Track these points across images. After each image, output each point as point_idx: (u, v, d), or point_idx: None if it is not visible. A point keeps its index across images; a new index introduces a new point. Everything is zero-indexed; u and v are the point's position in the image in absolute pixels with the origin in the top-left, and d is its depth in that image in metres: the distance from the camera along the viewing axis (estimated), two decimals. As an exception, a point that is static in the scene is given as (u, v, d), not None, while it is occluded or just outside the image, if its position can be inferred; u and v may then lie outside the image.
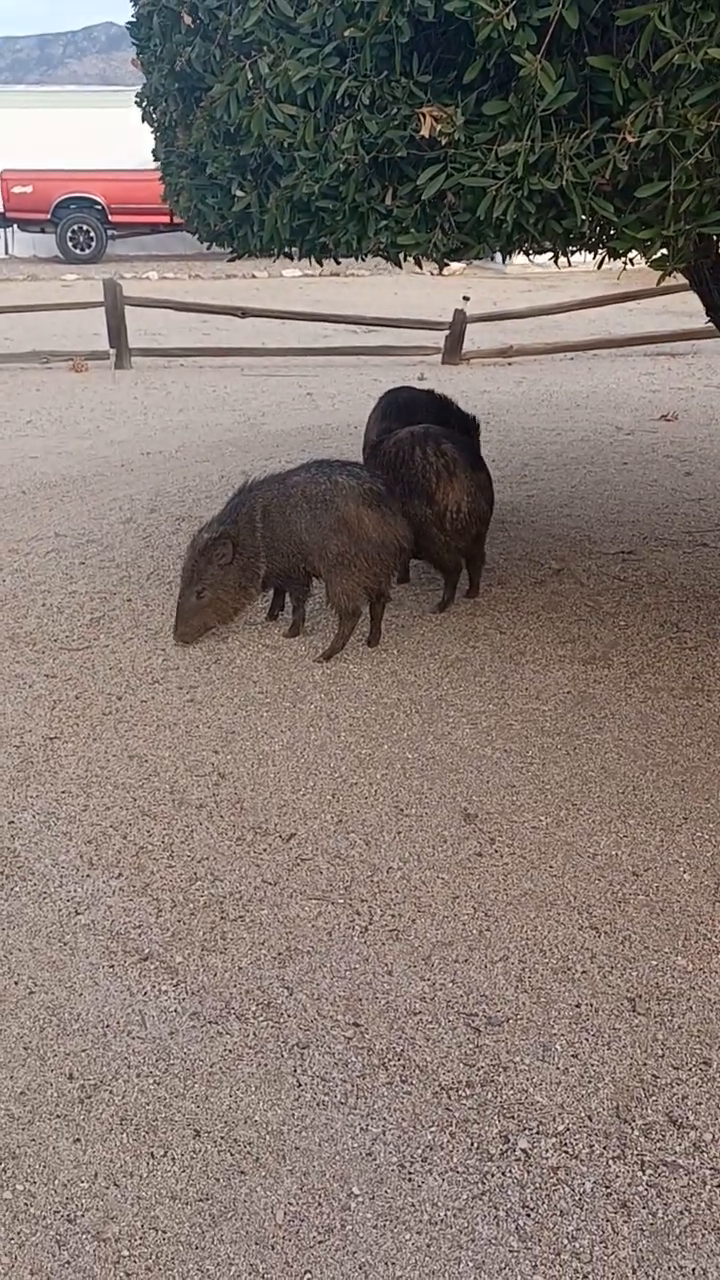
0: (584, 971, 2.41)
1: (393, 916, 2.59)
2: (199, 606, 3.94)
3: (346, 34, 2.74)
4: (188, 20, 3.22)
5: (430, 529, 4.05)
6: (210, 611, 3.97)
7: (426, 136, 2.67)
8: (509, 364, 10.48)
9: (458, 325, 10.29)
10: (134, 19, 3.84)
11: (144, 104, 4.05)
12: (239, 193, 3.27)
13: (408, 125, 2.72)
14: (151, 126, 4.07)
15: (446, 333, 10.37)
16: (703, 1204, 1.88)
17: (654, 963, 2.43)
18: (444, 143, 2.67)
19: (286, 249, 3.51)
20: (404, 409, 4.72)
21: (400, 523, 3.83)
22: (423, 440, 4.12)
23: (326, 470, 3.87)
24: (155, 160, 4.18)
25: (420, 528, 4.01)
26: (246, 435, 7.60)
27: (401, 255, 3.11)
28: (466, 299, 12.18)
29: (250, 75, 2.96)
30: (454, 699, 3.64)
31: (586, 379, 9.60)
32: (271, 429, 7.78)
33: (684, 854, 2.81)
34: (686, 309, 12.11)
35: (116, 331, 10.06)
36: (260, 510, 3.90)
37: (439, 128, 2.62)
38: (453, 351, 10.38)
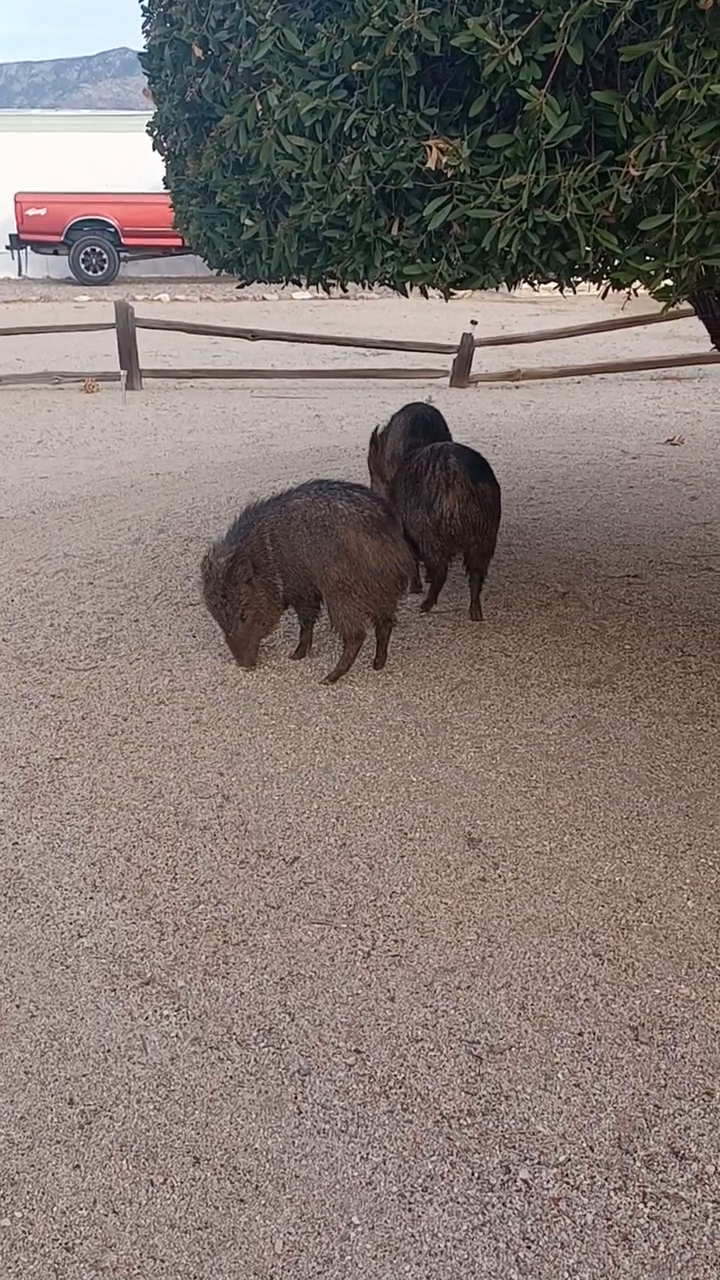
0: (586, 999, 2.40)
1: (395, 942, 2.59)
2: (248, 628, 3.97)
3: (354, 67, 2.79)
4: (198, 52, 3.28)
5: (429, 535, 4.30)
6: (258, 627, 4.01)
7: (433, 168, 2.70)
8: (516, 387, 10.54)
9: (466, 348, 10.36)
10: (145, 49, 3.91)
11: (155, 133, 4.11)
12: (248, 221, 3.32)
13: (414, 157, 2.76)
14: (162, 155, 4.13)
15: (455, 356, 10.45)
16: (705, 1237, 1.87)
17: (657, 991, 2.42)
18: (450, 175, 2.70)
19: (294, 277, 3.56)
20: (430, 425, 5.00)
21: (401, 549, 3.83)
22: (436, 455, 4.35)
23: (326, 495, 3.86)
24: (166, 188, 4.24)
25: (421, 534, 4.28)
26: (255, 457, 7.65)
27: (407, 285, 3.15)
28: (474, 323, 12.27)
29: (259, 107, 3.01)
30: (459, 722, 3.65)
31: (593, 403, 9.64)
32: (280, 451, 7.83)
33: (688, 881, 2.80)
34: (693, 334, 12.18)
35: (128, 353, 10.15)
36: (269, 533, 3.92)
37: (445, 160, 2.66)
38: (461, 374, 10.45)
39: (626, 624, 4.45)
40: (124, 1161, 2.02)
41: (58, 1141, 2.07)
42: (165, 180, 4.21)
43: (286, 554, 3.89)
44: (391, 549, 3.78)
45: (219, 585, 3.89)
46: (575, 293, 3.54)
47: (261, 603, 3.94)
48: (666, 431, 8.23)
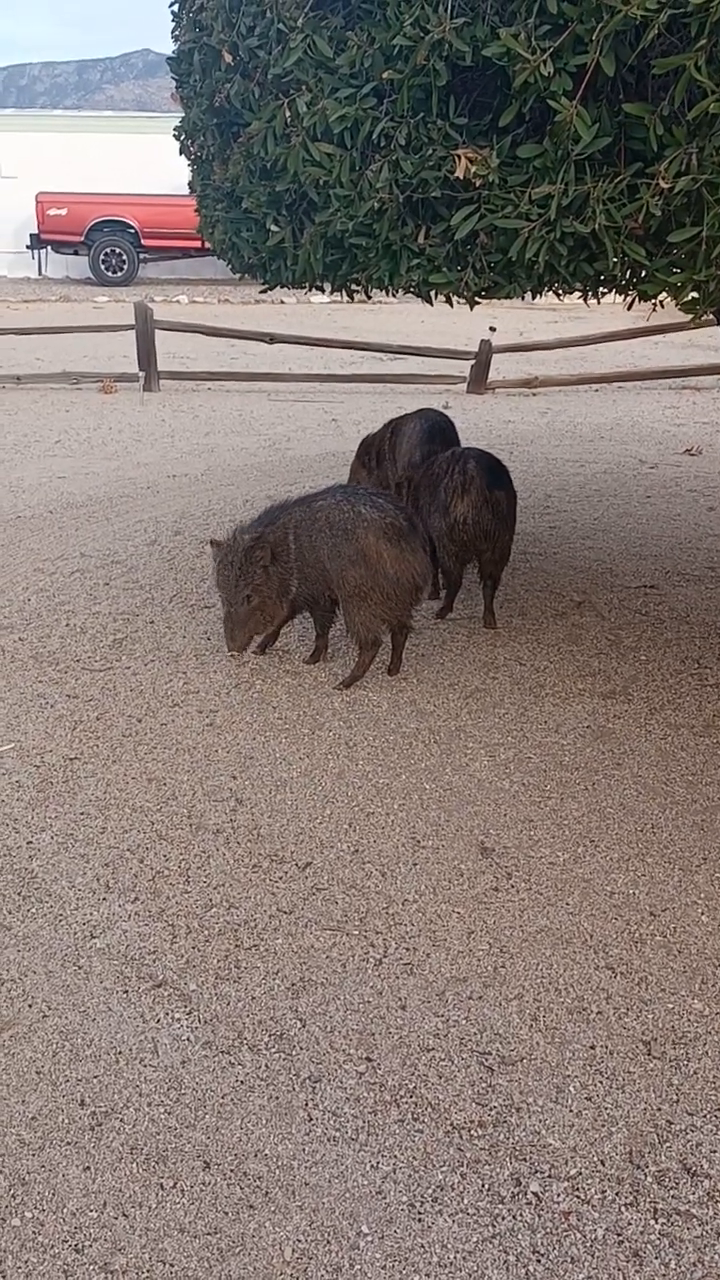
0: (599, 1012, 2.39)
1: (407, 950, 2.58)
2: (249, 612, 3.92)
3: (384, 76, 2.80)
4: (228, 58, 3.29)
5: (444, 539, 4.32)
6: (258, 616, 3.95)
7: (461, 178, 2.71)
8: (533, 394, 10.53)
9: (483, 355, 10.37)
10: (174, 54, 3.92)
11: (182, 137, 4.13)
12: (274, 227, 3.32)
13: (442, 166, 2.76)
14: (189, 160, 4.15)
15: (472, 362, 10.45)
16: (717, 1255, 1.86)
17: (670, 1005, 2.41)
18: (478, 184, 2.71)
19: (319, 283, 3.56)
20: (445, 432, 5.06)
21: (420, 558, 3.83)
22: (456, 459, 4.37)
23: (351, 499, 3.86)
24: (192, 192, 4.26)
25: (437, 537, 4.29)
26: (271, 460, 7.66)
27: (433, 293, 3.15)
28: (493, 329, 12.27)
29: (288, 113, 3.02)
30: (473, 730, 3.64)
31: (610, 411, 9.63)
32: (296, 454, 7.84)
33: (702, 895, 2.79)
34: (712, 343, 12.17)
35: (146, 354, 10.19)
36: (292, 532, 3.92)
37: (473, 169, 2.66)
38: (478, 381, 10.45)
39: (642, 635, 4.44)
40: (134, 1164, 2.02)
41: (68, 1143, 2.07)
42: (191, 185, 4.23)
43: (308, 554, 3.89)
44: (410, 557, 3.77)
45: (237, 558, 3.85)
46: (599, 302, 3.54)
47: (270, 591, 3.90)
48: (685, 441, 8.21)
